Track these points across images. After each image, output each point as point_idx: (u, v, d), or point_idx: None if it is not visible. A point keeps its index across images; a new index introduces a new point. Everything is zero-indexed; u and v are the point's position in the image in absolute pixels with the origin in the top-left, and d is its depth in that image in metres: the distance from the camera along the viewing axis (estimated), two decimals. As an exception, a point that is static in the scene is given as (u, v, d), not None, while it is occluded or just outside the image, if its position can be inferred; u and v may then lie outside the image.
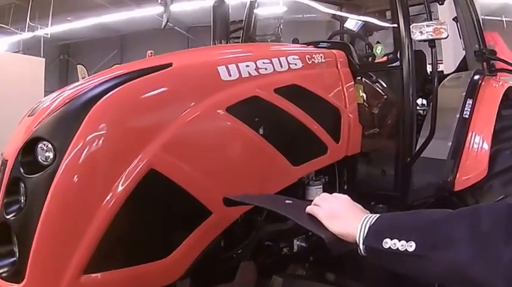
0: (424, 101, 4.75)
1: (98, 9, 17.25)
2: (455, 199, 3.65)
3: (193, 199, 2.09)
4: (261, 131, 2.37)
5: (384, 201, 3.17)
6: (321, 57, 2.93)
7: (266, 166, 2.44)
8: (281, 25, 4.48)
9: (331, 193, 1.61)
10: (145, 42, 18.71)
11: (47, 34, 16.88)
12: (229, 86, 2.33)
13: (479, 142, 3.72)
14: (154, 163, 1.97)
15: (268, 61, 2.57)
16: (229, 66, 2.35)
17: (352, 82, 3.07)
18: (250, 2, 4.23)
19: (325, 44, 3.42)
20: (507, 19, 18.85)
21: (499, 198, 3.61)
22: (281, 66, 2.62)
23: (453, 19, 4.43)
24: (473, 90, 3.97)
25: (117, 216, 1.88)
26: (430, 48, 2.99)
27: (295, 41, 3.87)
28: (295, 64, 2.72)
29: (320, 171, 2.88)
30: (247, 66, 2.44)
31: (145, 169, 1.95)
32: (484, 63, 4.38)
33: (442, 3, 4.58)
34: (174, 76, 2.23)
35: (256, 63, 2.49)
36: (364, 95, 3.21)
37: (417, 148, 3.18)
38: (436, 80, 3.10)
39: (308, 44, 3.36)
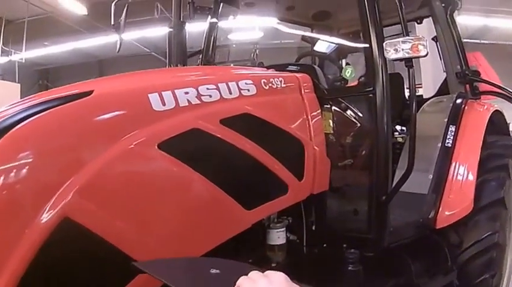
0: (404, 128, 4.40)
1: (75, 34, 16.99)
2: (436, 237, 3.30)
3: (119, 253, 1.69)
4: (203, 170, 1.97)
5: (356, 244, 2.79)
6: (281, 81, 2.59)
7: (210, 212, 2.04)
8: (257, 50, 4.20)
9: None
10: (123, 67, 18.56)
11: (22, 59, 16.51)
12: (163, 117, 1.93)
13: (463, 173, 3.35)
14: (69, 211, 1.58)
15: (214, 87, 2.19)
16: (163, 93, 1.97)
17: (319, 110, 2.75)
18: (210, 23, 3.87)
19: (290, 67, 3.06)
20: (485, 41, 18.84)
21: (486, 235, 3.24)
22: (230, 93, 2.25)
23: (433, 39, 4.10)
24: (456, 116, 3.62)
25: (28, 271, 1.51)
26: (407, 69, 2.64)
27: (260, 66, 3.51)
28: (248, 90, 2.35)
29: (283, 211, 2.56)
30: (187, 93, 2.06)
31: (58, 217, 1.56)
32: (467, 86, 4.07)
33: (421, 22, 4.32)
34: (94, 106, 1.81)
35: (198, 90, 2.11)
36: (333, 124, 2.87)
37: (394, 183, 2.83)
38: (414, 106, 2.72)
39: (269, 67, 2.98)
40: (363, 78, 2.91)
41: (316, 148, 2.61)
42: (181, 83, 2.14)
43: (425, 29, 4.46)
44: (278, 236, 2.56)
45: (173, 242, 1.86)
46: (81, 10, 14.78)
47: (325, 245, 2.89)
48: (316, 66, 3.38)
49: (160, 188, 1.89)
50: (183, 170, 1.91)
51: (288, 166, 2.40)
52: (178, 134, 1.94)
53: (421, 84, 7.35)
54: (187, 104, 2.03)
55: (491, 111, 3.81)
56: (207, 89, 2.15)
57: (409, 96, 2.79)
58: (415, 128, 2.73)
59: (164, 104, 1.95)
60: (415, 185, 3.08)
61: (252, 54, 4.16)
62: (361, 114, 2.91)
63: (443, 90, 4.24)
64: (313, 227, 2.78)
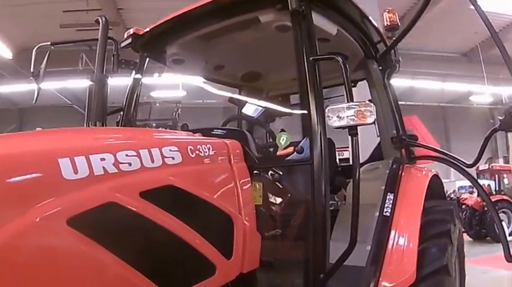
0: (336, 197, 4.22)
1: (-3, 77, 16.52)
2: None
3: None
4: (118, 251, 1.69)
5: None
6: (209, 149, 2.36)
7: (126, 299, 1.73)
8: (179, 109, 3.96)
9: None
10: (44, 118, 18.31)
11: None
12: (75, 187, 1.64)
13: (404, 243, 3.16)
14: None
15: (134, 153, 1.93)
16: (76, 159, 1.69)
17: (249, 180, 2.52)
18: (134, 79, 3.63)
19: (219, 132, 2.84)
20: (411, 103, 19.50)
21: (432, 304, 3.05)
22: (152, 161, 1.99)
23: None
24: (393, 183, 3.47)
25: None
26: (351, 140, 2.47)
27: (185, 128, 3.29)
28: (173, 158, 2.11)
29: None
30: (103, 159, 1.78)
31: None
32: (403, 150, 3.94)
33: (355, 85, 4.22)
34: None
35: (116, 156, 1.84)
36: (264, 195, 2.66)
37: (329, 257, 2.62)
38: (357, 176, 2.55)
39: (195, 131, 2.75)
40: (298, 146, 2.72)
41: (245, 222, 2.38)
42: (97, 147, 1.87)
43: (356, 93, 4.39)
44: None
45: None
46: (6, 54, 14.36)
47: None
48: (246, 132, 3.17)
49: (68, 271, 1.57)
50: (95, 250, 1.62)
51: (215, 243, 2.14)
52: (91, 208, 1.65)
53: (347, 148, 7.29)
54: (102, 173, 1.76)
55: (430, 177, 3.68)
56: (127, 155, 1.89)
57: (352, 166, 2.60)
58: (358, 198, 2.55)
59: (76, 172, 1.67)
60: (352, 257, 2.84)
61: (174, 113, 3.94)
62: (296, 185, 2.72)
63: (376, 155, 4.12)
64: None
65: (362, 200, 3.11)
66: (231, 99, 4.73)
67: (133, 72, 3.64)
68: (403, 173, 3.59)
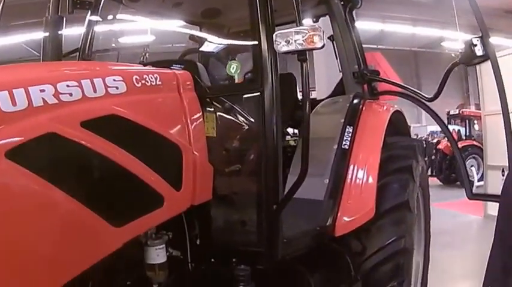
0: (296, 130, 4.15)
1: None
2: (336, 246, 3.06)
3: None
4: (60, 183, 1.63)
5: (247, 258, 2.53)
6: (156, 78, 2.28)
7: (70, 233, 1.68)
8: (146, 54, 3.87)
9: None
10: None
11: None
12: (13, 119, 1.59)
13: (363, 177, 3.14)
14: None
15: (76, 84, 1.86)
16: (14, 91, 1.62)
17: (200, 111, 2.48)
18: (89, 20, 3.49)
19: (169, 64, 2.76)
20: (382, 47, 19.41)
21: (391, 240, 3.06)
22: (94, 91, 1.93)
23: (329, 37, 3.89)
24: (353, 117, 3.42)
25: None
26: (300, 67, 2.35)
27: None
28: (116, 88, 2.04)
29: (163, 225, 2.26)
30: (43, 91, 1.72)
31: None
32: (365, 86, 3.88)
33: (317, 21, 4.12)
34: None
35: (56, 87, 1.77)
36: (217, 127, 2.60)
37: (286, 190, 2.58)
38: (307, 105, 2.44)
39: (146, 64, 2.66)
40: (249, 74, 2.64)
41: (196, 153, 2.34)
42: (36, 79, 1.80)
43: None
44: (157, 254, 2.26)
45: (24, 273, 1.51)
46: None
47: (212, 260, 2.64)
48: (198, 63, 3.09)
49: (7, 204, 1.50)
50: (35, 183, 1.57)
51: (163, 174, 2.10)
52: (30, 139, 1.60)
53: (314, 87, 7.24)
54: (42, 104, 1.70)
55: (392, 112, 3.64)
56: (67, 86, 1.83)
57: (302, 96, 2.53)
58: (308, 129, 2.46)
59: (15, 104, 1.61)
60: (310, 191, 2.84)
61: (142, 58, 3.84)
62: (247, 116, 2.66)
63: (339, 91, 4.05)
64: (198, 242, 2.51)
65: (321, 133, 3.09)
66: (191, 37, 4.60)
67: (89, 12, 3.50)
68: (364, 108, 3.54)
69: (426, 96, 3.55)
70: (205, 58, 4.25)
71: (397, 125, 3.85)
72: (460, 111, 17.63)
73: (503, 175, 7.14)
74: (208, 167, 2.42)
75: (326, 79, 6.14)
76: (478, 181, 11.85)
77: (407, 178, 3.30)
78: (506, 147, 2.74)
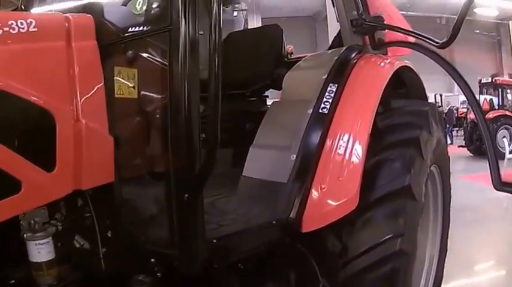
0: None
1: None
2: (301, 247, 2.26)
3: None
4: None
5: (166, 259, 1.88)
6: (29, 24, 1.73)
7: None
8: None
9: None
10: None
11: None
12: None
13: (345, 152, 2.32)
14: None
15: None
16: None
17: (97, 63, 1.87)
18: None
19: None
20: (412, 13, 18.56)
21: (383, 239, 2.25)
22: None
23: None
24: (340, 72, 2.59)
25: None
26: None
27: None
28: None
29: (50, 214, 1.83)
30: None
31: None
32: (367, 38, 3.05)
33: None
34: None
35: None
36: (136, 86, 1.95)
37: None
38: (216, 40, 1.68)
39: None
40: (155, 9, 1.92)
41: (83, 120, 1.76)
42: None
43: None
44: (38, 251, 1.78)
45: None
46: None
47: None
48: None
49: None
50: None
51: (20, 150, 1.58)
52: None
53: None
54: None
55: (396, 67, 2.80)
56: None
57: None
58: (218, 78, 1.68)
59: None
60: (270, 170, 2.16)
61: None
62: (157, 66, 1.95)
63: (336, 46, 3.21)
64: (109, 234, 1.92)
65: (297, 94, 2.30)
66: None
67: None
68: (357, 62, 2.73)
69: (437, 41, 2.72)
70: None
71: (409, 85, 3.12)
72: (493, 80, 16.84)
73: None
74: (106, 140, 1.84)
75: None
76: (510, 153, 11.07)
77: (411, 154, 2.48)
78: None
